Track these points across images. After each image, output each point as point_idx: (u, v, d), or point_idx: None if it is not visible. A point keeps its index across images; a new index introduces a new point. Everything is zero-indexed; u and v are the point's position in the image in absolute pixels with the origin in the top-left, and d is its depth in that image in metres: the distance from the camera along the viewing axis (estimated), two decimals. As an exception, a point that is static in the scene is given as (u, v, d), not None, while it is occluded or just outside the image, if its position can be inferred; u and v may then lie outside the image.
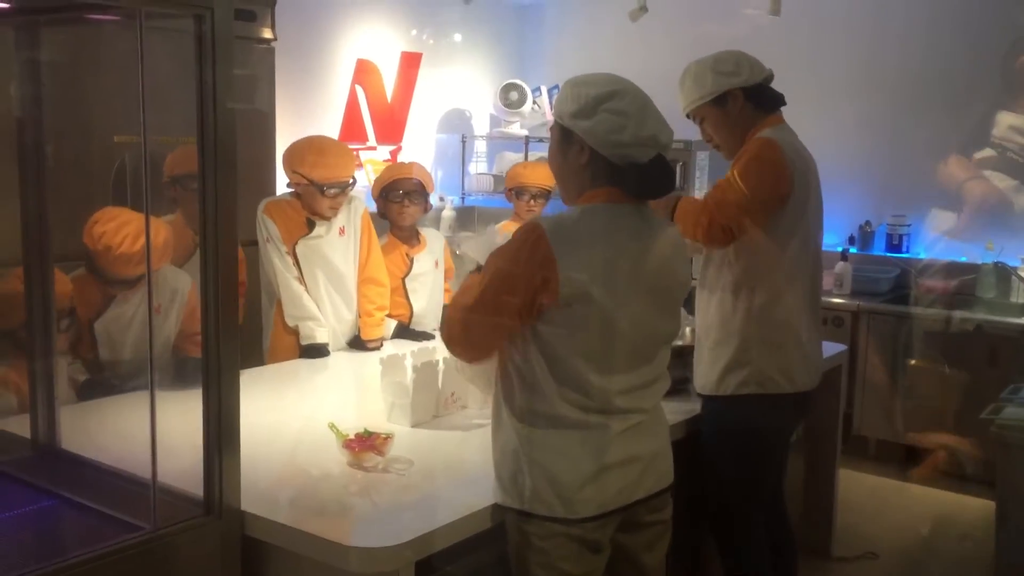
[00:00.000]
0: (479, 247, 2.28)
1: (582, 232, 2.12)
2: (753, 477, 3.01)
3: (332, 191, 3.65)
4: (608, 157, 2.15)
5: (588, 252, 2.10)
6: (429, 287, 4.16)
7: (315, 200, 3.68)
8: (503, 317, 2.12)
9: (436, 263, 4.20)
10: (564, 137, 2.22)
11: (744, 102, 2.95)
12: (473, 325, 2.17)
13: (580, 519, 2.16)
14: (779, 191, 2.84)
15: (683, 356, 3.12)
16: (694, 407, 3.05)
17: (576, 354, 2.13)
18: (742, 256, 2.89)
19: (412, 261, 4.10)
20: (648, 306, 2.19)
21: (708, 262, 3.01)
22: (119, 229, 3.07)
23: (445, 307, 4.00)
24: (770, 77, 3.02)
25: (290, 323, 3.72)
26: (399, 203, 3.99)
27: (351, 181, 3.71)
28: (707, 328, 3.00)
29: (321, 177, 3.63)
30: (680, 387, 3.11)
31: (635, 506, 2.25)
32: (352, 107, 6.10)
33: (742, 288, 2.90)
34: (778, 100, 3.02)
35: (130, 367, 3.18)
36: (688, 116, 3.06)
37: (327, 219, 3.74)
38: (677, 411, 2.95)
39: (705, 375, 3.00)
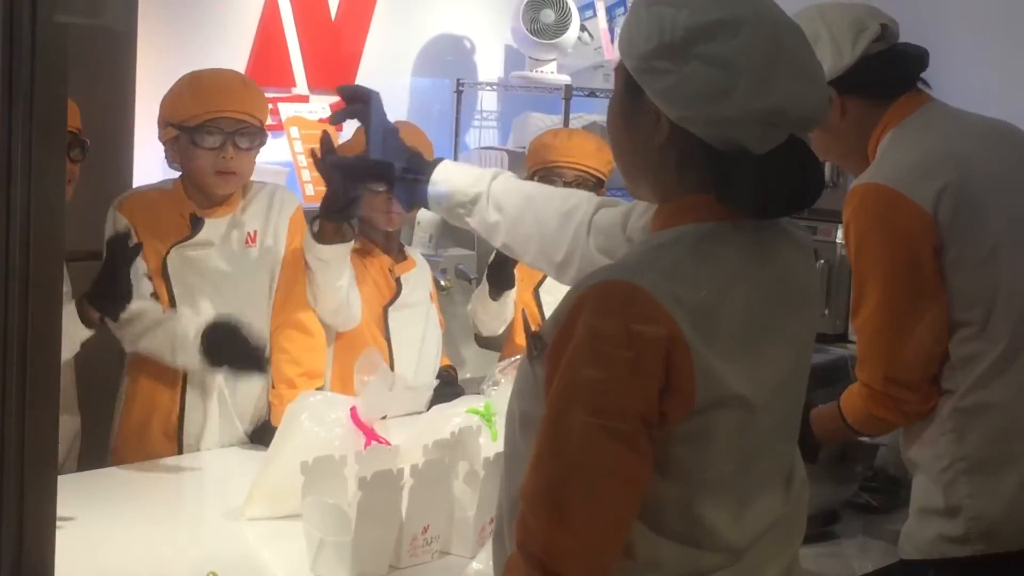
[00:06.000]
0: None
1: (692, 280, 1.32)
2: None
3: (211, 139, 2.46)
4: (703, 137, 1.36)
5: (717, 323, 1.32)
6: (420, 330, 2.85)
7: (192, 163, 2.49)
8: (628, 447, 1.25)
9: (430, 295, 2.94)
10: (631, 94, 1.40)
11: (844, 102, 2.04)
12: (576, 482, 1.26)
13: None
14: (916, 250, 1.98)
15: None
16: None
17: (704, 487, 1.37)
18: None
19: (400, 283, 2.78)
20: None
21: None
22: None
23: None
24: (885, 34, 2.03)
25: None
26: (382, 195, 2.61)
27: (253, 124, 2.50)
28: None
29: (192, 114, 2.44)
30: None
31: None
32: (269, 30, 4.06)
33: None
34: (905, 75, 2.05)
35: None
36: None
37: (217, 208, 2.55)
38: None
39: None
